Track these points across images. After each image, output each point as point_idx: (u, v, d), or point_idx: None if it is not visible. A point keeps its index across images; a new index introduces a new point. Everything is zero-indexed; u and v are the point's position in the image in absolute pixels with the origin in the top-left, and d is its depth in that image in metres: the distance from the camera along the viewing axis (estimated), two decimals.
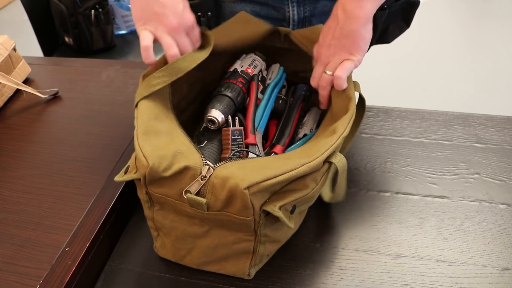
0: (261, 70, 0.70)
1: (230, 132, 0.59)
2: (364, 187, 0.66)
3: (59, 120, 0.81)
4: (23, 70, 0.92)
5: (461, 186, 0.66)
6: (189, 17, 0.60)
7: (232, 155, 0.57)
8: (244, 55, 0.71)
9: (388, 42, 0.86)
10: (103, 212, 0.61)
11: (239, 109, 0.65)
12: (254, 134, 0.61)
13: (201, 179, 0.47)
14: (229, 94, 0.62)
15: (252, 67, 0.68)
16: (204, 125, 0.63)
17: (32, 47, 1.74)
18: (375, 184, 0.67)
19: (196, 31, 0.63)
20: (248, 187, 0.45)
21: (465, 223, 0.60)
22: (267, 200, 0.48)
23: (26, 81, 0.93)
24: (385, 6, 0.75)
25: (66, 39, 1.66)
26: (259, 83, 0.68)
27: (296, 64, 0.72)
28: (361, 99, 0.63)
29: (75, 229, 0.59)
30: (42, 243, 0.59)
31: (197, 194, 0.48)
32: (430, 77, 2.29)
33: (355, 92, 0.59)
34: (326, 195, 0.59)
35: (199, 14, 0.75)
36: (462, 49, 2.52)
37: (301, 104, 0.70)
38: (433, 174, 0.68)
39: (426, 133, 0.75)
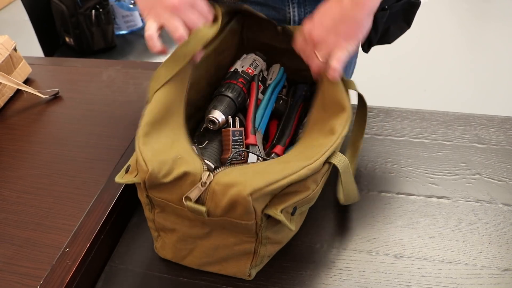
0: (261, 70, 0.70)
1: (230, 133, 0.58)
2: (364, 188, 0.66)
3: (60, 120, 0.81)
4: (23, 70, 0.92)
5: (462, 186, 0.65)
6: None
7: (232, 155, 0.57)
8: (244, 55, 0.71)
9: (389, 42, 0.86)
10: (104, 213, 0.61)
11: (239, 110, 0.65)
12: (255, 134, 0.61)
13: (201, 185, 0.47)
14: (230, 95, 0.62)
15: (252, 67, 0.68)
16: (204, 125, 0.63)
17: (32, 47, 1.74)
18: (376, 184, 0.67)
19: (202, 2, 0.60)
20: (251, 194, 0.45)
21: (466, 223, 0.60)
22: (268, 204, 0.48)
23: (27, 81, 0.93)
24: (386, 7, 0.75)
25: (67, 39, 1.66)
26: (260, 83, 0.68)
27: (297, 62, 0.72)
28: (360, 97, 0.63)
29: (75, 230, 0.59)
30: (42, 243, 0.59)
31: (197, 200, 0.47)
32: (430, 78, 2.29)
33: (352, 90, 0.58)
34: (341, 199, 0.59)
35: None
36: (462, 49, 2.52)
37: (301, 104, 0.70)
38: (434, 174, 0.68)
39: (427, 134, 0.75)
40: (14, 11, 3.26)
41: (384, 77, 2.27)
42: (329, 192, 0.65)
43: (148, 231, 0.59)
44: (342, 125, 0.53)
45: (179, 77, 0.58)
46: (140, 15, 1.78)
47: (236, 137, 0.59)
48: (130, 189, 0.65)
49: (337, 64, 0.55)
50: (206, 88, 0.68)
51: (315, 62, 0.58)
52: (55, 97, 0.87)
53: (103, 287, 0.57)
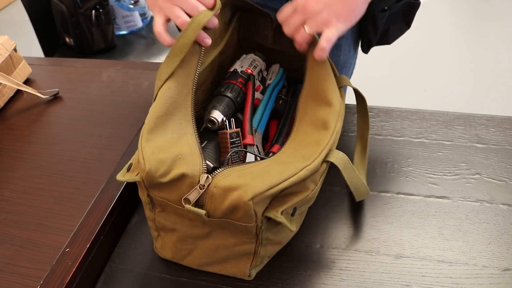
0: (261, 71, 0.70)
1: (228, 136, 0.58)
2: None
3: (60, 120, 0.81)
4: (23, 70, 0.92)
5: (462, 186, 0.65)
6: None
7: (229, 155, 0.57)
8: (244, 56, 0.71)
9: (389, 43, 0.86)
10: (104, 213, 0.61)
11: (239, 110, 0.65)
12: (252, 134, 0.61)
13: (200, 188, 0.47)
14: (229, 95, 0.62)
15: (252, 67, 0.68)
16: (204, 125, 0.63)
17: (32, 47, 1.75)
18: (376, 184, 0.67)
19: None
20: (252, 198, 0.45)
21: (466, 223, 0.60)
22: (268, 206, 0.48)
23: (27, 82, 0.93)
24: (386, 8, 0.75)
25: (67, 39, 1.66)
26: (259, 84, 0.68)
27: (294, 63, 0.72)
28: (356, 91, 0.62)
29: (75, 230, 0.59)
30: (42, 243, 0.59)
31: (197, 201, 0.47)
32: (430, 77, 2.29)
33: (347, 86, 0.58)
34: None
35: None
36: (462, 49, 2.52)
37: None
38: (434, 174, 0.68)
39: (426, 134, 0.75)
40: (14, 12, 3.26)
41: (384, 77, 2.27)
42: (329, 193, 0.65)
43: (148, 231, 0.59)
44: (335, 118, 0.52)
45: (185, 70, 0.57)
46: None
47: (234, 139, 0.58)
48: (130, 189, 0.65)
49: (326, 43, 0.55)
50: (212, 89, 0.68)
51: (301, 33, 0.56)
52: (55, 98, 0.87)
53: (103, 287, 0.57)
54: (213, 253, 0.53)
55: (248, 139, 0.60)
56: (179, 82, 0.56)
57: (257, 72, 0.68)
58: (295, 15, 0.57)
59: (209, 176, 0.47)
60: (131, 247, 0.61)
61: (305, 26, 0.56)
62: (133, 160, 0.53)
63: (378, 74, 2.24)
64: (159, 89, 0.55)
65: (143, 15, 1.80)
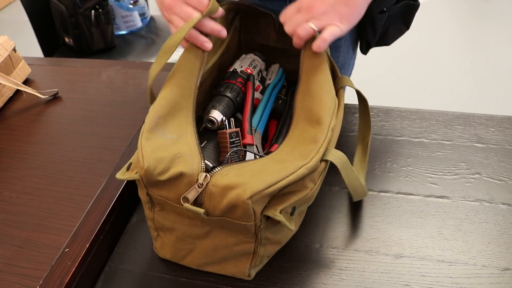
0: (260, 70, 0.70)
1: (227, 135, 0.58)
2: None
3: (59, 120, 0.81)
4: (23, 70, 0.92)
5: (462, 186, 0.65)
6: None
7: (229, 155, 0.57)
8: (243, 56, 0.71)
9: (388, 44, 0.86)
10: (103, 213, 0.61)
11: (238, 109, 0.65)
12: (251, 134, 0.61)
13: (198, 186, 0.47)
14: (229, 94, 0.62)
15: (251, 67, 0.68)
16: (203, 125, 0.63)
17: (32, 47, 1.75)
18: (376, 184, 0.67)
19: None
20: (250, 197, 0.45)
21: (465, 223, 0.60)
22: (267, 205, 0.48)
23: (26, 82, 0.93)
24: (385, 9, 0.75)
25: (66, 39, 1.66)
26: (259, 83, 0.68)
27: (294, 63, 0.72)
28: (358, 93, 0.62)
29: (75, 230, 0.59)
30: (41, 243, 0.59)
31: (195, 200, 0.47)
32: (430, 77, 2.29)
33: (348, 86, 0.58)
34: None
35: None
36: (462, 49, 2.52)
37: None
38: (434, 174, 0.68)
39: (426, 133, 0.75)
40: (14, 12, 3.26)
41: (383, 76, 2.27)
42: (328, 192, 0.65)
43: (148, 231, 0.59)
44: (329, 115, 0.52)
45: (187, 71, 0.57)
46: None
47: (233, 139, 0.59)
48: (129, 189, 0.65)
49: (328, 36, 0.55)
50: (211, 90, 0.68)
51: (304, 27, 0.56)
52: (55, 98, 0.87)
53: (102, 287, 0.57)
54: (213, 253, 0.53)
55: (248, 139, 0.60)
56: (182, 85, 0.56)
57: (256, 72, 0.68)
58: (299, 14, 0.58)
59: (208, 174, 0.47)
60: (130, 247, 0.61)
61: (309, 22, 0.56)
62: (133, 159, 0.53)
63: (378, 74, 2.24)
64: (152, 83, 0.56)
65: (142, 15, 1.80)
